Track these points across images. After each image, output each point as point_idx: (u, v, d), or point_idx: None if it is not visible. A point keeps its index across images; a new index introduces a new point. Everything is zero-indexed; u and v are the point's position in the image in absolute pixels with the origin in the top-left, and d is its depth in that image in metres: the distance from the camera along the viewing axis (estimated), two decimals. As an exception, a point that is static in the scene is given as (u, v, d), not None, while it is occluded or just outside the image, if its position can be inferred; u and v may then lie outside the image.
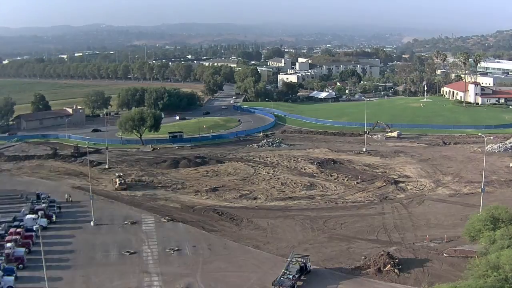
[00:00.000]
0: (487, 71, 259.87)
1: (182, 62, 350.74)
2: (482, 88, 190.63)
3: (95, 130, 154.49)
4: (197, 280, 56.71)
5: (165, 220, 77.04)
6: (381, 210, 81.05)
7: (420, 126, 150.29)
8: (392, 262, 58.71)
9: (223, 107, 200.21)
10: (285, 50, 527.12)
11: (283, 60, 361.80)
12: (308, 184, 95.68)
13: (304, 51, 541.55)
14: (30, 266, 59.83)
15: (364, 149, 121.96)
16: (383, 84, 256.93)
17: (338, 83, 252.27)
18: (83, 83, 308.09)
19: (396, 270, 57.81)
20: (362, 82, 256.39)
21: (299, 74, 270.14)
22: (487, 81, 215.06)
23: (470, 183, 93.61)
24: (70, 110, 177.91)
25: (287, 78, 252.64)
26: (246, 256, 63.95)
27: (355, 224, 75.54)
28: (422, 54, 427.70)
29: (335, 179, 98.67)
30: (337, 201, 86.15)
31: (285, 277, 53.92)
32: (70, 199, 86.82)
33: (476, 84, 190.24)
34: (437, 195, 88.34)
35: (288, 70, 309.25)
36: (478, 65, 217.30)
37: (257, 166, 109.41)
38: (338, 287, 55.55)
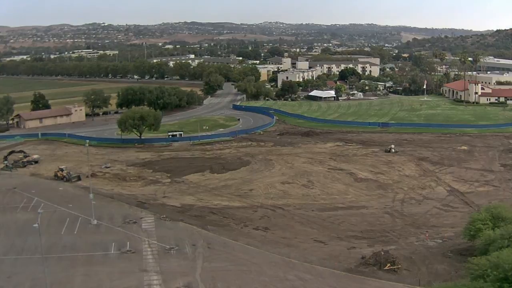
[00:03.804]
0: (487, 70, 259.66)
1: (182, 61, 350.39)
2: (482, 87, 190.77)
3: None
4: (196, 279, 56.66)
5: (165, 219, 77.12)
6: (380, 209, 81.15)
7: (419, 125, 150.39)
8: (391, 261, 58.79)
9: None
10: (285, 49, 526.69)
11: (282, 59, 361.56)
12: (307, 182, 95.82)
13: (304, 50, 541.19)
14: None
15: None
16: (383, 83, 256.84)
17: (337, 82, 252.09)
18: (82, 82, 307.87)
19: (395, 269, 57.89)
20: (361, 81, 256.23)
21: (299, 73, 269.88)
22: (486, 80, 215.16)
23: (469, 182, 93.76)
24: (69, 109, 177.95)
25: (287, 77, 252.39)
26: (245, 255, 63.97)
27: (354, 223, 75.61)
28: (422, 53, 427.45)
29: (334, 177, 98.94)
30: (336, 200, 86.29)
31: None
32: None
33: (475, 83, 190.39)
34: (437, 194, 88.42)
35: (287, 69, 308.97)
36: (478, 64, 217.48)
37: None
38: (338, 286, 55.58)
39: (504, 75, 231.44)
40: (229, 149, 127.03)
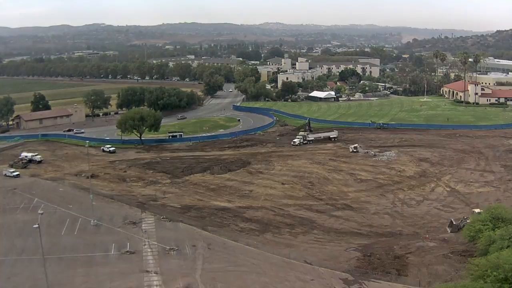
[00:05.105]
0: (487, 70, 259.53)
1: (182, 62, 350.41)
2: (482, 88, 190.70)
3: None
4: (196, 280, 56.69)
5: (165, 220, 77.10)
6: (380, 210, 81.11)
7: (419, 126, 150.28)
8: (391, 262, 58.76)
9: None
10: (285, 50, 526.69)
11: (282, 60, 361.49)
12: (307, 183, 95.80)
13: (304, 51, 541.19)
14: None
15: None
16: (383, 84, 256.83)
17: (337, 83, 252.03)
18: (82, 83, 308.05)
19: (395, 270, 57.84)
20: (361, 82, 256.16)
21: (299, 74, 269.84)
22: (486, 80, 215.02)
23: (469, 183, 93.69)
24: (69, 110, 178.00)
25: (287, 78, 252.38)
26: (245, 255, 63.98)
27: (354, 223, 75.56)
28: (422, 54, 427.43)
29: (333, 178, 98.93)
30: (336, 200, 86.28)
31: None
32: None
33: (475, 84, 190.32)
34: (437, 195, 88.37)
35: (287, 70, 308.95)
36: (478, 64, 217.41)
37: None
38: (338, 287, 55.55)
39: (504, 75, 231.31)
40: (229, 150, 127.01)
